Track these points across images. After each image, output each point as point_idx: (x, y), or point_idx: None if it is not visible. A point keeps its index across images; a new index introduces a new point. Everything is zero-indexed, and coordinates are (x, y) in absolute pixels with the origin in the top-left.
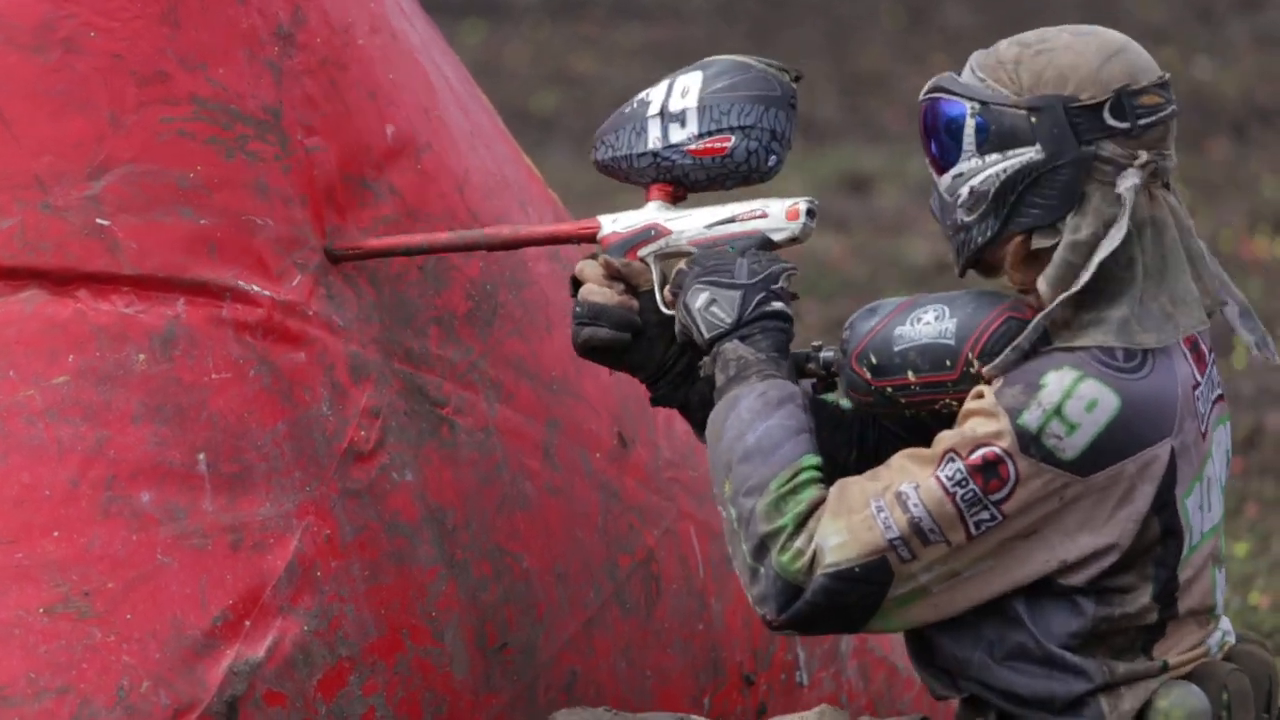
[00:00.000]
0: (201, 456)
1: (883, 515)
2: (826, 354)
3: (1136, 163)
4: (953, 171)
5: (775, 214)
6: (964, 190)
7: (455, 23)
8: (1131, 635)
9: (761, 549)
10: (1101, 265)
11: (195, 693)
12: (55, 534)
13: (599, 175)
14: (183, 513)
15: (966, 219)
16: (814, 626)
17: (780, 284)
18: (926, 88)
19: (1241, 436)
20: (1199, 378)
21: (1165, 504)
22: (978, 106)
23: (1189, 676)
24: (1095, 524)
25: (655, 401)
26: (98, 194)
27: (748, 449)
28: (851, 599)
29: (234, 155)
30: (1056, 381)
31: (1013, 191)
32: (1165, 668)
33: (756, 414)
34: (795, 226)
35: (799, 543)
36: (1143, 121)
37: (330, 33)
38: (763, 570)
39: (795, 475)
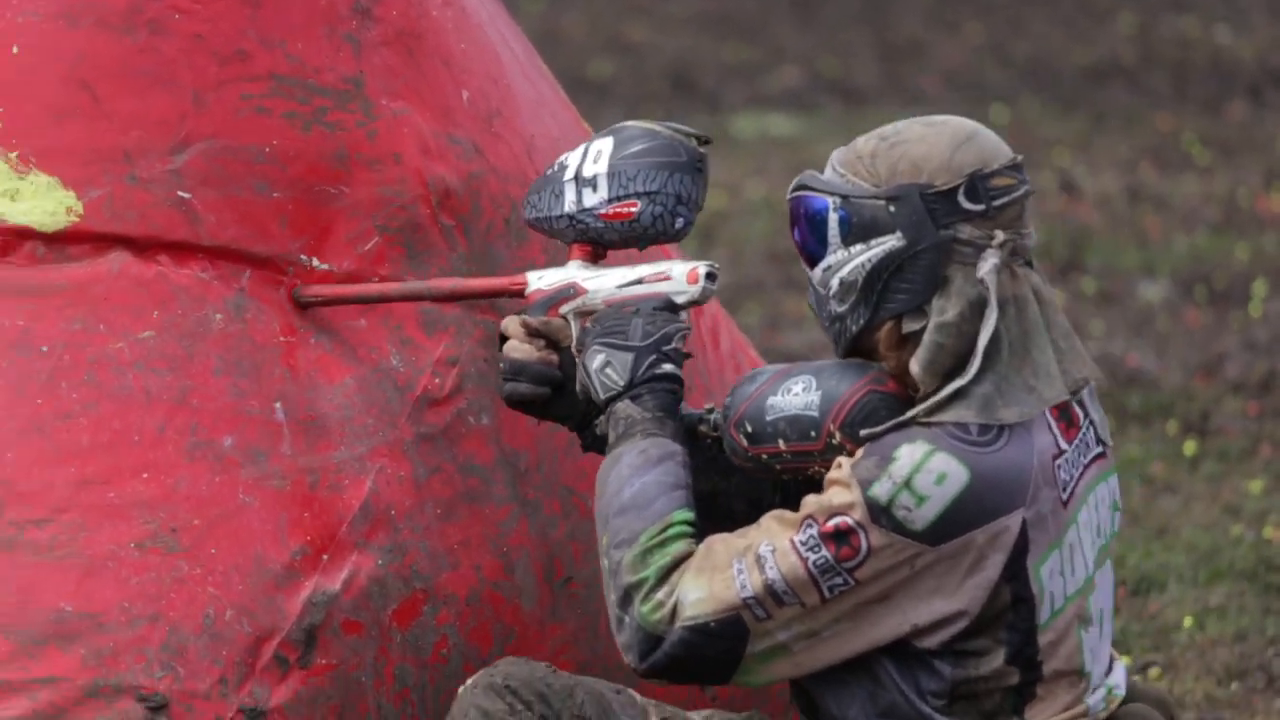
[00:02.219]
0: (278, 405)
1: (741, 576)
2: (716, 415)
3: (994, 243)
4: (822, 265)
5: (677, 277)
6: (834, 282)
7: None
8: (998, 697)
9: (626, 599)
10: (966, 343)
11: (275, 621)
12: (144, 475)
13: None
14: (263, 456)
15: (839, 309)
16: (676, 675)
17: (673, 345)
18: (791, 187)
19: (1257, 381)
20: (1064, 446)
21: (1016, 573)
22: (839, 201)
23: None
24: (946, 590)
25: (586, 448)
26: (179, 168)
27: (623, 503)
28: (709, 652)
29: (311, 128)
30: (908, 455)
31: (879, 279)
32: None
33: (635, 470)
34: (695, 290)
35: (660, 594)
36: (997, 202)
37: (406, 5)
38: (627, 619)
39: (665, 529)
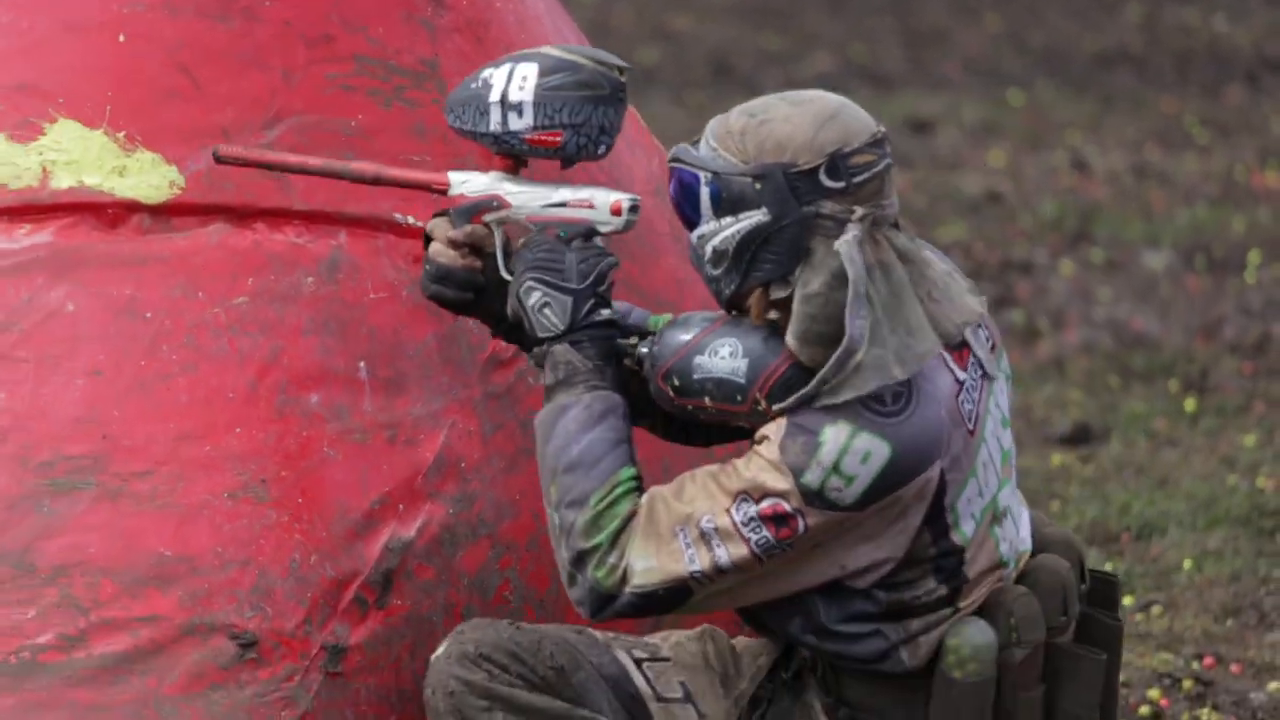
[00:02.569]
0: (362, 364)
1: (689, 551)
2: (642, 350)
3: (854, 217)
4: (697, 232)
5: (600, 206)
6: (708, 249)
7: None
8: (930, 605)
9: (579, 561)
10: (841, 314)
11: (356, 565)
12: (237, 430)
13: (692, 122)
14: (346, 412)
15: (714, 273)
16: (625, 620)
17: (606, 284)
18: (669, 156)
19: (1251, 343)
20: (961, 375)
21: (936, 514)
22: (709, 175)
23: (980, 610)
24: (873, 538)
25: (500, 336)
26: (271, 142)
27: (571, 460)
28: (658, 608)
29: (391, 104)
30: (833, 439)
31: (747, 250)
32: (956, 611)
33: (581, 426)
34: (619, 222)
35: (611, 559)
36: (857, 179)
37: None
38: (580, 579)
39: (612, 489)
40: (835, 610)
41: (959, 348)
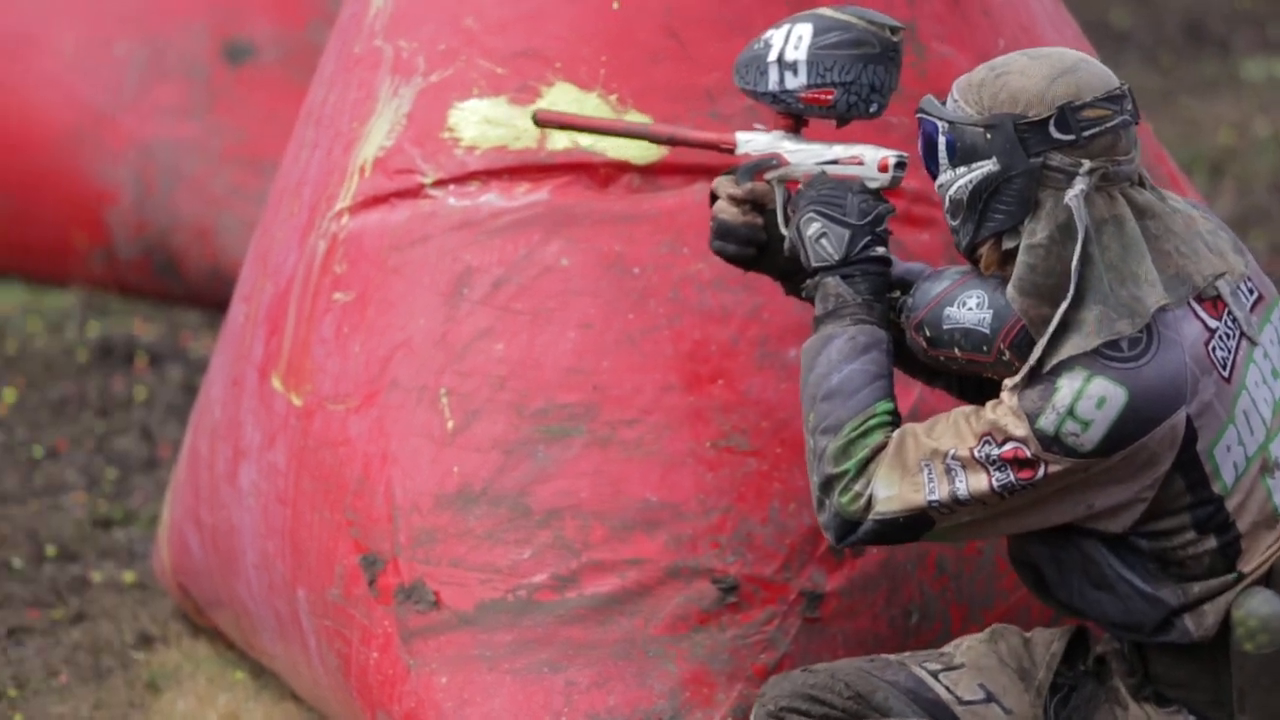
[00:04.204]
0: None
1: (931, 483)
2: (904, 300)
3: (1082, 170)
4: (938, 182)
5: (869, 163)
6: (947, 199)
7: None
8: (1206, 559)
9: (827, 486)
10: (1064, 270)
11: None
12: (719, 382)
13: (1166, 82)
14: None
15: (954, 223)
16: (871, 547)
17: (884, 226)
18: (916, 109)
19: None
20: (1213, 324)
21: (1188, 461)
22: (946, 126)
23: (1265, 579)
24: (1122, 480)
25: (787, 294)
26: (752, 104)
27: (831, 388)
28: (899, 536)
29: None
30: (1068, 384)
31: (980, 200)
32: (1240, 578)
33: (844, 356)
34: (885, 178)
35: (858, 486)
36: (1087, 133)
37: None
38: (827, 503)
39: (866, 420)
40: (1111, 553)
41: (1212, 299)
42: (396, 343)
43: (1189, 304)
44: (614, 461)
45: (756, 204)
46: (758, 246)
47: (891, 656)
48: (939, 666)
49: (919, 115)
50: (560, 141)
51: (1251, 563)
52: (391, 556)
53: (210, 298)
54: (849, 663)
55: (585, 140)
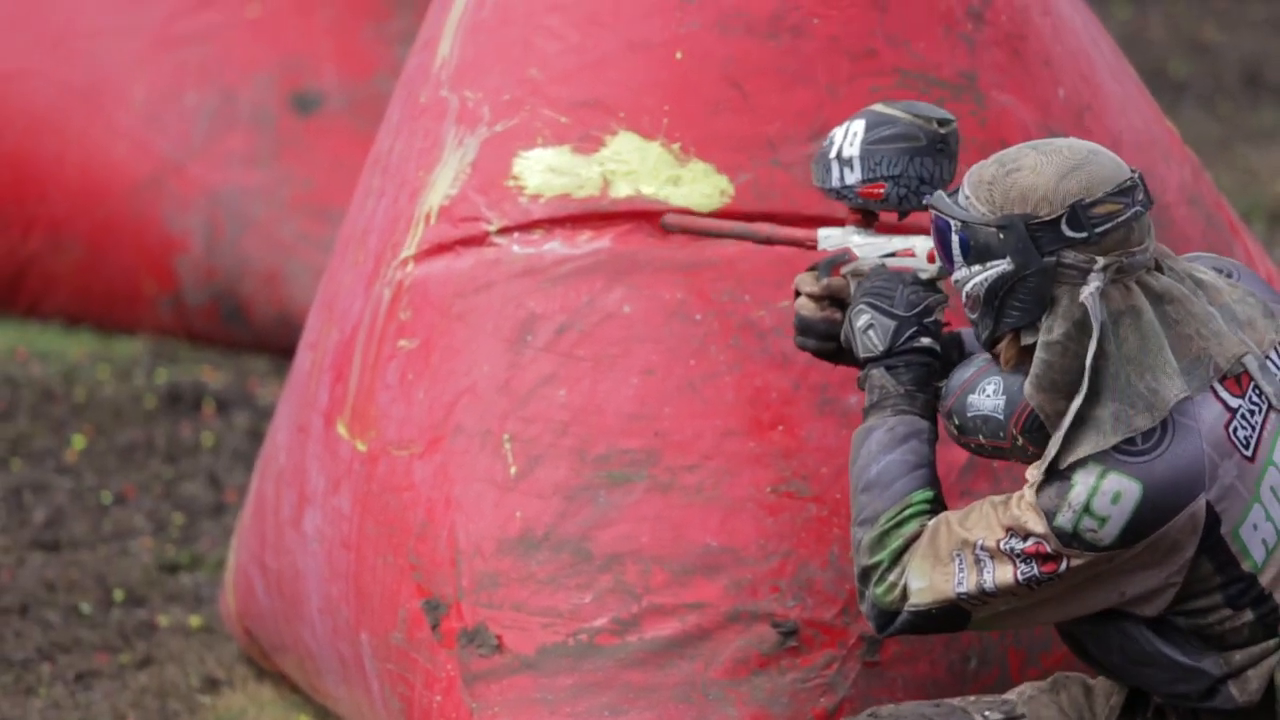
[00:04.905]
0: None
1: (961, 574)
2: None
3: (1096, 267)
4: (954, 277)
5: (920, 254)
6: (964, 294)
7: (1105, 3)
8: (1245, 631)
9: (865, 577)
10: (1081, 366)
11: None
12: (780, 428)
13: (1223, 130)
14: None
15: (972, 316)
16: (912, 636)
17: (933, 317)
18: (928, 202)
19: None
20: (1235, 402)
21: (1213, 544)
22: (959, 225)
23: None
24: (1148, 566)
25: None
26: (811, 153)
27: (868, 480)
28: (936, 627)
29: None
30: (1083, 481)
31: (995, 297)
32: None
33: (883, 447)
34: (934, 269)
35: (892, 577)
36: (1099, 229)
37: (1012, 11)
38: (866, 594)
39: (902, 510)
40: (1148, 631)
41: (1236, 377)
42: (460, 389)
43: (1210, 386)
44: (675, 506)
45: (835, 299)
46: (838, 340)
47: (955, 701)
48: (1000, 716)
49: (931, 211)
50: (623, 189)
51: None
52: (454, 600)
53: (277, 344)
54: (913, 706)
55: (648, 188)
